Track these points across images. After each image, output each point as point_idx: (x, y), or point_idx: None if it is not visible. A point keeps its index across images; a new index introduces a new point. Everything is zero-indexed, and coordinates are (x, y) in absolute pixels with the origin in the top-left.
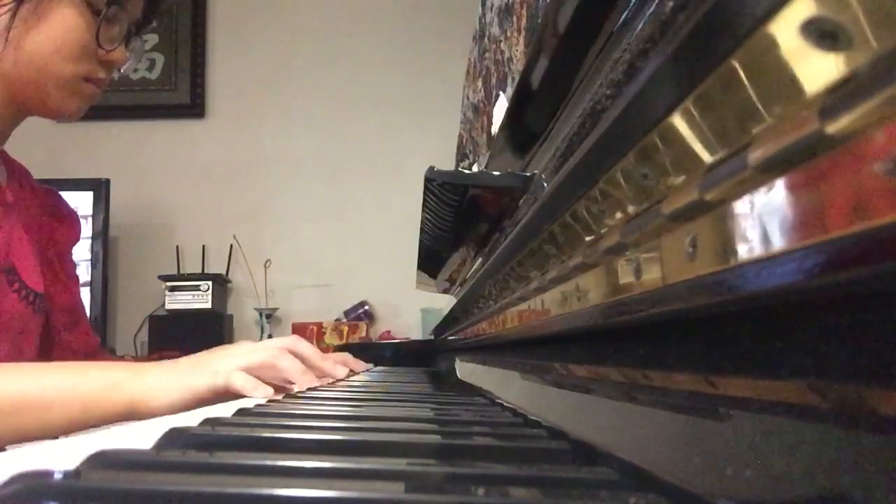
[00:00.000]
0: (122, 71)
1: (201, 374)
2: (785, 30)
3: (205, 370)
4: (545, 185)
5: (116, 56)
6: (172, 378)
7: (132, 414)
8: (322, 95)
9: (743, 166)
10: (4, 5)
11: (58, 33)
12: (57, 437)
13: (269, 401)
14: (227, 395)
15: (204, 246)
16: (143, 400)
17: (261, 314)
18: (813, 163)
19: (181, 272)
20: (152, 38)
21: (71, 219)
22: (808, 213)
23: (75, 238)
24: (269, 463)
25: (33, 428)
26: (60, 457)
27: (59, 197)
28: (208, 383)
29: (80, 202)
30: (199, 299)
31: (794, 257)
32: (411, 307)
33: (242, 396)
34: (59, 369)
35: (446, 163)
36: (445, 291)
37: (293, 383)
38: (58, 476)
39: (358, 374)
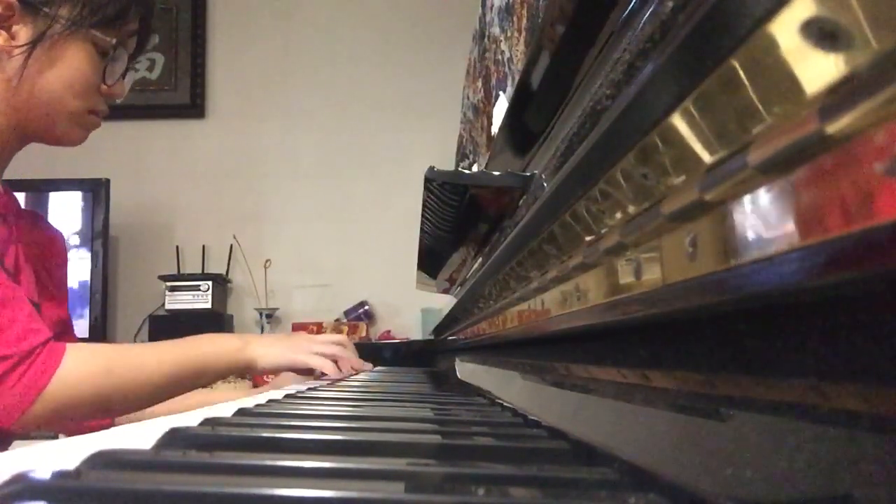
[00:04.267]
0: (118, 102)
1: (297, 350)
2: (785, 30)
3: (298, 347)
4: (545, 185)
5: (117, 90)
6: (277, 348)
7: (249, 369)
8: (322, 95)
9: (743, 166)
10: (19, 47)
11: (69, 73)
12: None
13: (269, 401)
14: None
15: (204, 246)
16: (256, 359)
17: (261, 314)
18: (813, 163)
19: (181, 272)
20: (152, 39)
21: (57, 239)
22: (808, 213)
23: (63, 255)
24: (269, 463)
25: (196, 385)
26: (60, 457)
27: (44, 219)
28: (302, 358)
29: (80, 202)
30: (199, 299)
31: (793, 257)
32: (411, 307)
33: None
34: (206, 341)
35: (446, 163)
36: (445, 291)
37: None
38: (58, 476)
39: (358, 373)
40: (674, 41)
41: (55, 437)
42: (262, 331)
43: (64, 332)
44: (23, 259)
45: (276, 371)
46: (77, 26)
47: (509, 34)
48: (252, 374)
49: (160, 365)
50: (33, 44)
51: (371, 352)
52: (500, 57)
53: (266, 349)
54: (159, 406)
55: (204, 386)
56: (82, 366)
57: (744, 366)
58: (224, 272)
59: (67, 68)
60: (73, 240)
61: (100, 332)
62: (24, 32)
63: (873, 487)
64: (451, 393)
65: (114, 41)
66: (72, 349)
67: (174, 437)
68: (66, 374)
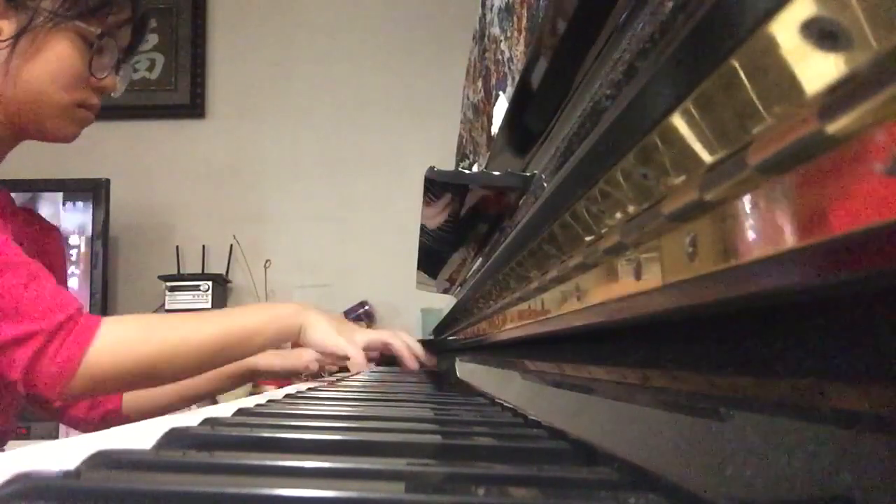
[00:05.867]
0: (112, 96)
1: (342, 334)
2: (785, 30)
3: (343, 331)
4: (545, 185)
5: (108, 83)
6: (328, 323)
7: (301, 335)
8: (322, 95)
9: (743, 166)
10: (3, 41)
11: (54, 64)
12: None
13: (269, 401)
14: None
15: (204, 246)
16: (307, 327)
17: None
18: (813, 163)
19: (181, 272)
20: (152, 38)
21: (54, 232)
22: (808, 213)
23: (61, 249)
24: (269, 463)
25: (245, 352)
26: (60, 457)
27: (38, 214)
28: (342, 344)
29: (80, 202)
30: (199, 299)
31: (794, 257)
32: (411, 307)
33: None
34: (256, 307)
35: (446, 163)
36: (445, 291)
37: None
38: (58, 476)
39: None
40: (674, 41)
41: (55, 436)
42: None
43: None
44: None
45: (325, 345)
46: (60, 18)
47: (509, 34)
48: (304, 342)
49: (202, 331)
50: (16, 37)
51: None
52: (500, 57)
53: (318, 320)
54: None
55: (252, 353)
56: (120, 336)
57: (744, 366)
58: (224, 272)
59: (52, 60)
60: (73, 240)
61: None
62: (7, 26)
63: (873, 487)
64: (451, 393)
65: (99, 31)
66: (108, 321)
67: (174, 437)
68: (104, 345)
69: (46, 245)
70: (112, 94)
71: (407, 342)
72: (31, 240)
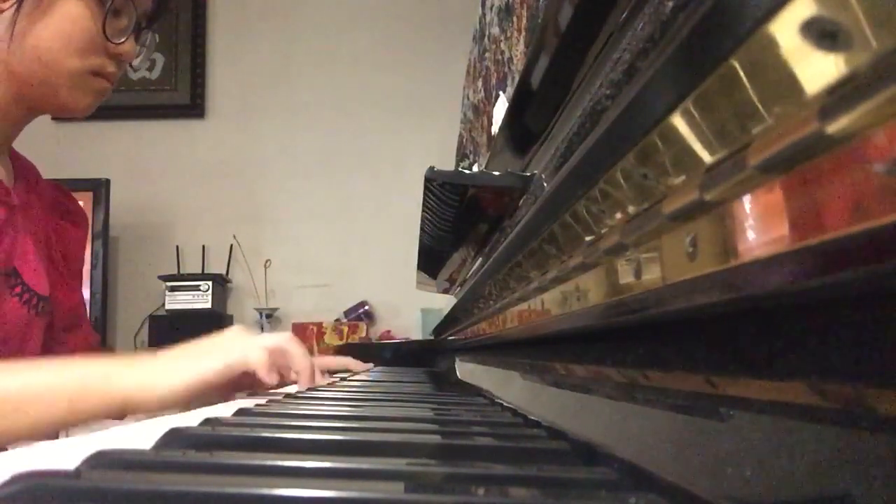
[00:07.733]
0: (133, 65)
1: (212, 355)
2: (785, 30)
3: (217, 349)
4: (545, 185)
5: (125, 49)
6: (176, 363)
7: (129, 407)
8: (322, 95)
9: (743, 166)
10: (7, 0)
11: (63, 26)
12: (49, 437)
13: (269, 401)
14: (237, 376)
15: (204, 246)
16: (140, 390)
17: (261, 314)
18: (813, 163)
19: (181, 272)
20: (152, 38)
21: (79, 217)
22: (808, 213)
23: (83, 236)
24: (269, 463)
25: (18, 429)
26: (60, 457)
27: (68, 194)
28: (221, 362)
29: (80, 202)
30: (199, 299)
31: (794, 257)
32: (411, 307)
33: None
34: (42, 366)
35: (446, 163)
36: (445, 291)
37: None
38: (58, 476)
39: (358, 373)
40: (674, 41)
41: (55, 436)
42: (263, 331)
43: (76, 324)
44: (31, 248)
45: (185, 398)
46: None
47: (509, 34)
48: (143, 412)
49: None
50: None
51: (371, 352)
52: (500, 57)
53: (162, 364)
54: None
55: (44, 429)
56: None
57: (744, 366)
58: (224, 272)
59: (61, 21)
60: None
61: (100, 332)
62: None
63: (873, 487)
64: (451, 393)
65: None
66: None
67: (174, 437)
68: None
69: (66, 231)
70: (133, 64)
71: (313, 360)
72: (51, 225)
